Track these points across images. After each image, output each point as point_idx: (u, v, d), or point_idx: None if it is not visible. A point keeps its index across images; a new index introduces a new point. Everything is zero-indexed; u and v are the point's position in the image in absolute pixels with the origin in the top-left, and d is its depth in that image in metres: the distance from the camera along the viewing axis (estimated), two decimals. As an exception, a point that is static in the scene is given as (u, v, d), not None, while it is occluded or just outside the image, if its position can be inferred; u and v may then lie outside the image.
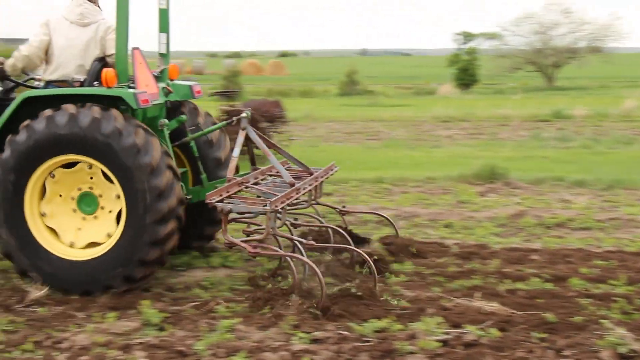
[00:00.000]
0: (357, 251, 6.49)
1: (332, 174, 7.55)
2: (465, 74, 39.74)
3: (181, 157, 7.25)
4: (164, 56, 7.14)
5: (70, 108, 6.17)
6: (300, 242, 6.26)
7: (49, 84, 6.71)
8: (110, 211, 6.33)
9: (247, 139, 6.88)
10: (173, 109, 7.17)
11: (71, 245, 6.36)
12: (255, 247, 6.03)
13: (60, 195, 6.40)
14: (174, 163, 6.38)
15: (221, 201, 6.13)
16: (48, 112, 6.20)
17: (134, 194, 6.09)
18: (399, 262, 7.08)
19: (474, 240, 8.06)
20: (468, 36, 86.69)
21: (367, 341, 5.14)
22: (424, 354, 4.91)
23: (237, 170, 6.71)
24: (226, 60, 68.17)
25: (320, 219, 7.29)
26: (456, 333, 5.22)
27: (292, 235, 6.58)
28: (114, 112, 6.19)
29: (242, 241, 6.13)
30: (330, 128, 20.40)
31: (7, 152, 6.24)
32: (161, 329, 5.50)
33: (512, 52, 43.23)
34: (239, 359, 4.90)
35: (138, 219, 6.09)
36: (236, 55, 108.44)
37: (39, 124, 6.17)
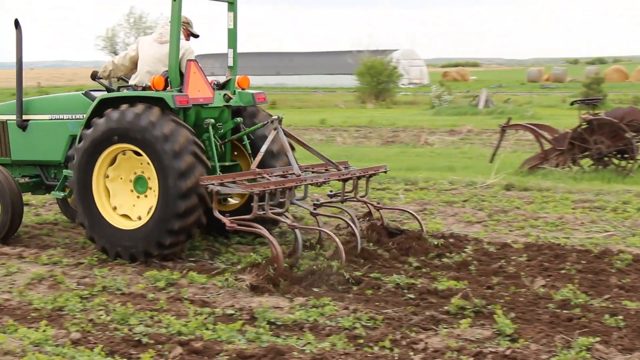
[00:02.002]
0: (324, 231, 7.60)
1: (369, 174, 8.49)
2: None
3: (243, 150, 8.60)
4: (231, 68, 8.64)
5: (123, 107, 7.63)
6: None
7: (131, 88, 8.25)
8: (155, 190, 7.62)
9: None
10: (238, 112, 8.61)
11: (127, 218, 7.82)
12: (232, 222, 7.16)
13: (121, 178, 7.89)
14: (200, 152, 7.61)
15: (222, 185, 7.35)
16: (108, 110, 7.69)
17: (162, 174, 7.47)
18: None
19: None
20: None
21: None
22: None
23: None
24: (588, 67, 65.35)
25: (350, 212, 8.18)
26: None
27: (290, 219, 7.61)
28: (154, 109, 7.59)
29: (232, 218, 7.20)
30: None
31: (81, 143, 7.82)
32: (514, 340, 5.41)
33: None
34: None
35: (165, 195, 7.45)
36: (599, 61, 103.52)
37: (100, 120, 7.71)
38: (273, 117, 8.15)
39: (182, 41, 8.14)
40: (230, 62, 8.68)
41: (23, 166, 9.03)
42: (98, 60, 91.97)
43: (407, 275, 7.03)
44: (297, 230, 7.39)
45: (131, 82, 8.34)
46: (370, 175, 8.60)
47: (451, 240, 8.44)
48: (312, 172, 8.40)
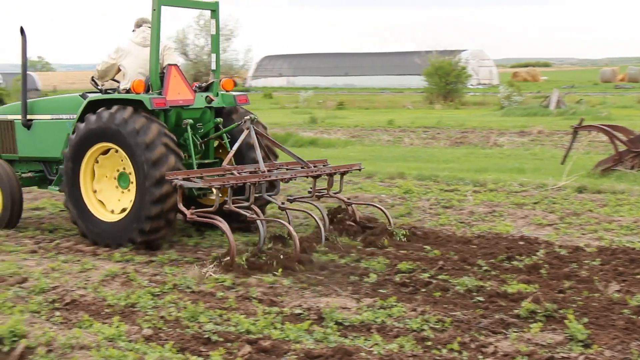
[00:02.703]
0: (279, 221, 8.00)
1: (342, 172, 8.93)
2: None
3: (225, 147, 9.17)
4: (214, 72, 9.22)
5: (101, 110, 8.39)
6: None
7: (118, 91, 8.94)
8: (135, 184, 8.27)
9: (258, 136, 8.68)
10: (226, 113, 9.22)
11: (112, 212, 8.58)
12: (192, 214, 7.71)
13: (106, 177, 8.64)
14: (171, 143, 8.25)
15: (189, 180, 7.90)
16: (88, 114, 8.49)
17: (137, 166, 8.15)
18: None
19: None
20: None
21: None
22: None
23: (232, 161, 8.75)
24: (665, 67, 63.48)
25: (320, 208, 8.85)
26: None
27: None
28: (128, 108, 8.27)
29: (194, 211, 7.75)
30: None
31: (68, 147, 8.63)
32: (587, 346, 5.29)
33: None
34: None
35: (141, 184, 8.12)
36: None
37: (81, 123, 8.54)
38: (245, 118, 8.76)
39: (161, 46, 8.79)
40: (213, 66, 9.28)
41: (29, 162, 9.88)
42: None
43: (476, 277, 6.95)
44: (259, 222, 7.87)
45: (122, 86, 8.97)
46: (344, 173, 9.05)
47: (521, 243, 8.32)
48: (286, 169, 8.85)
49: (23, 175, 9.78)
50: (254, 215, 7.90)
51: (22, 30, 9.40)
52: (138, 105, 8.36)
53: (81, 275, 7.21)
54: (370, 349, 5.30)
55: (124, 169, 8.52)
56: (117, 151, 8.44)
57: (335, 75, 71.17)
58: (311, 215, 8.58)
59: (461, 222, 9.46)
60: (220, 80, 9.24)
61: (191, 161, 8.75)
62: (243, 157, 8.99)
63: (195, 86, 9.20)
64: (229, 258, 7.33)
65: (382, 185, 12.71)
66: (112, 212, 8.58)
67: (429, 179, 13.00)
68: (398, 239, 8.46)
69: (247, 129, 8.65)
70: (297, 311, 6.14)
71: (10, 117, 9.88)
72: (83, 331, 5.41)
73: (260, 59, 79.55)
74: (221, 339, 5.47)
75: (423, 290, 6.66)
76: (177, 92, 8.69)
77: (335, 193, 8.99)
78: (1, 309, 6.06)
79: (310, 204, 9.07)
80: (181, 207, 7.84)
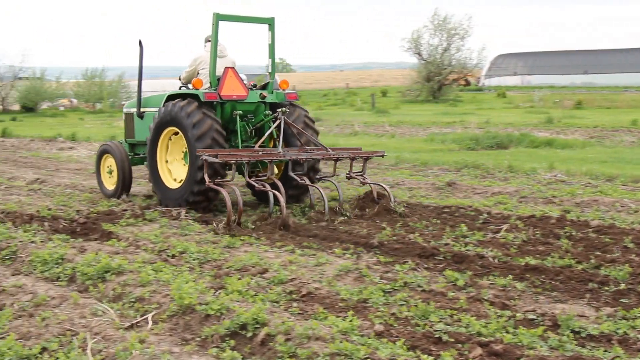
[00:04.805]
0: (271, 191, 10.02)
1: (366, 157, 11.09)
2: None
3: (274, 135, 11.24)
4: (270, 74, 11.56)
5: (170, 102, 10.96)
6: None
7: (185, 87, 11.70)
8: None
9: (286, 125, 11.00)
10: (280, 106, 11.35)
11: (175, 180, 11.07)
12: (209, 183, 9.94)
13: (176, 153, 11.18)
14: (218, 136, 10.56)
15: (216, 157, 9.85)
16: (166, 104, 11.12)
17: (191, 151, 10.51)
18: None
19: None
20: None
21: None
22: None
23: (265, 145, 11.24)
24: None
25: (331, 180, 11.26)
26: None
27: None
28: (191, 104, 10.67)
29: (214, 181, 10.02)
30: None
31: (151, 130, 11.24)
32: None
33: None
34: None
35: (191, 166, 10.51)
36: None
37: (159, 111, 11.13)
38: (278, 110, 10.94)
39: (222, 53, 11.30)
40: (269, 69, 11.58)
41: (144, 145, 12.13)
42: (402, 61, 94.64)
43: None
44: (270, 193, 9.98)
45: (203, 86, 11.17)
46: (367, 158, 11.13)
47: None
48: (308, 152, 10.69)
49: (136, 155, 12.48)
50: (267, 187, 9.98)
51: (140, 43, 11.81)
52: (196, 99, 10.79)
53: (316, 269, 7.48)
54: (610, 362, 5.02)
55: (186, 149, 10.72)
56: (178, 133, 10.90)
57: (573, 74, 68.18)
58: (319, 191, 10.37)
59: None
60: (277, 81, 11.66)
61: (236, 143, 11.12)
62: (288, 141, 11.14)
63: (251, 85, 11.60)
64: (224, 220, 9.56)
65: (624, 189, 11.99)
66: (175, 180, 11.06)
67: (678, 183, 12.06)
68: (398, 214, 10.05)
69: (279, 119, 10.85)
70: (531, 316, 5.95)
71: (132, 110, 12.62)
72: (319, 323, 5.61)
73: (494, 58, 78.18)
74: (452, 340, 5.44)
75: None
76: (232, 89, 11.02)
77: (356, 173, 11.04)
78: (244, 297, 6.45)
79: (333, 183, 11.06)
80: (206, 177, 9.91)
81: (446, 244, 8.52)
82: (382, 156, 11.24)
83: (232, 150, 10.36)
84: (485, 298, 6.41)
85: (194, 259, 7.92)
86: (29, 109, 48.81)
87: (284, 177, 10.98)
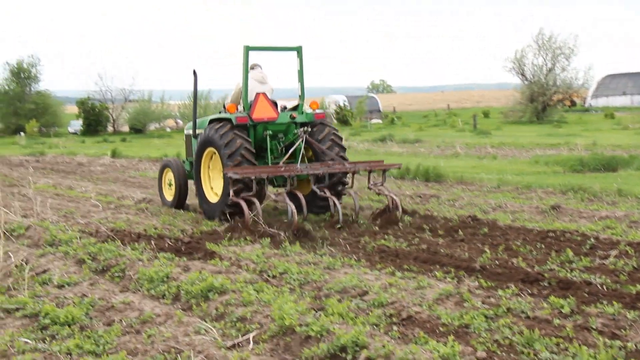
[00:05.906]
0: (286, 203, 11.22)
1: (383, 169, 12.22)
2: None
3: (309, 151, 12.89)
4: (300, 97, 12.87)
5: (208, 125, 12.50)
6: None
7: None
8: None
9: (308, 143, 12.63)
10: (308, 125, 12.80)
11: (216, 195, 12.48)
12: (232, 197, 11.49)
13: (217, 170, 12.49)
14: (247, 154, 11.95)
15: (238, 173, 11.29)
16: (206, 127, 12.66)
17: (224, 166, 11.85)
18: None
19: None
20: None
21: None
22: None
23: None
24: None
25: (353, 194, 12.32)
26: None
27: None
28: (226, 125, 12.15)
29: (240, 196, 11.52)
30: None
31: (196, 146, 12.91)
32: None
33: None
34: None
35: (225, 181, 11.81)
36: None
37: (201, 134, 12.69)
38: (300, 130, 12.42)
39: (253, 79, 12.85)
40: (299, 92, 12.82)
41: None
42: (504, 82, 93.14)
43: None
44: (288, 203, 11.03)
45: (240, 108, 12.87)
46: (385, 171, 12.20)
47: None
48: (327, 167, 11.77)
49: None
50: (285, 199, 11.14)
51: (194, 72, 13.01)
52: (230, 122, 12.22)
53: (417, 292, 7.39)
54: None
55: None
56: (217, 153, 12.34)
57: None
58: (334, 202, 11.68)
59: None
60: (306, 102, 12.87)
61: (267, 160, 12.56)
62: (318, 157, 12.62)
63: (282, 107, 12.98)
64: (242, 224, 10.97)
65: None
66: (216, 194, 12.45)
67: None
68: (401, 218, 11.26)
69: (301, 137, 12.37)
70: (643, 347, 5.70)
71: (188, 132, 14.35)
72: (419, 347, 5.55)
73: (601, 78, 75.96)
74: (558, 369, 5.26)
75: None
76: (263, 112, 12.44)
77: (374, 184, 12.17)
78: (345, 319, 6.44)
79: (350, 194, 12.32)
80: (231, 192, 11.33)
81: (551, 269, 8.29)
82: (399, 168, 12.72)
83: (257, 167, 11.70)
84: (593, 327, 6.18)
85: (294, 280, 7.98)
86: (137, 130, 50.59)
87: (313, 190, 12.15)
